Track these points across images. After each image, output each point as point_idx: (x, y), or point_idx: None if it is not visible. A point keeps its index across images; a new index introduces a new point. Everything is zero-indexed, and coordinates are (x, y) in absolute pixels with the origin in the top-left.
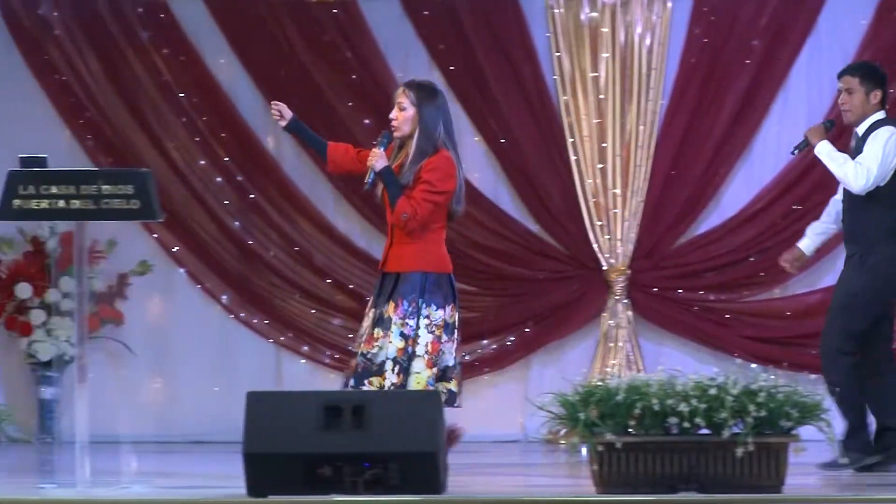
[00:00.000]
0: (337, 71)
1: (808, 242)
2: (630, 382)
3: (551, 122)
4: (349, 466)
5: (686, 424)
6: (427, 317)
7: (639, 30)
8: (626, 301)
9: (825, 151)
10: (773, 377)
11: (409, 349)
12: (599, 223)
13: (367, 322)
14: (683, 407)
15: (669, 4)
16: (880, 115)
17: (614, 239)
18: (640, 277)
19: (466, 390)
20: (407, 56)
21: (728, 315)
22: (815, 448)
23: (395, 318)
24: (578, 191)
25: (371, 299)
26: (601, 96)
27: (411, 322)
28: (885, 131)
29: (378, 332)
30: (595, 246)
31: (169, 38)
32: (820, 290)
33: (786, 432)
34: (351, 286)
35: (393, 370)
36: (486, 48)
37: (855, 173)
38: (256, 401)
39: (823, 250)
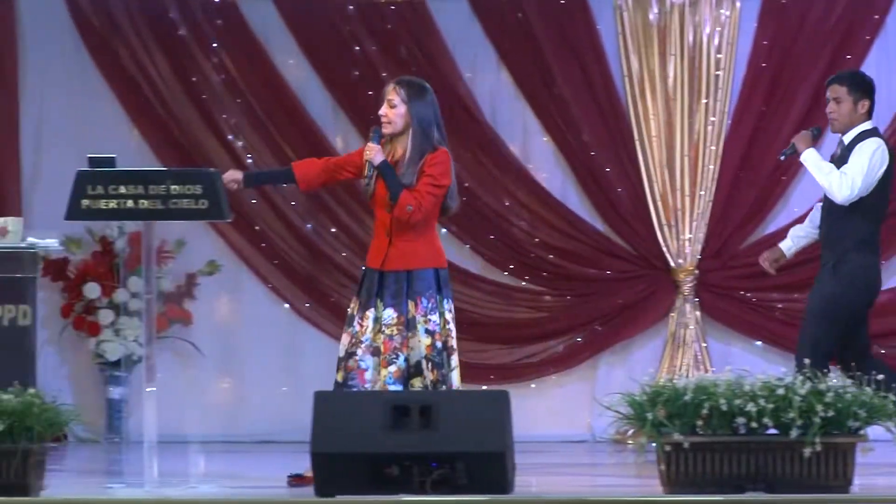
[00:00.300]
0: (405, 70)
1: (789, 244)
2: (698, 382)
3: (619, 122)
4: (417, 466)
5: (753, 424)
6: (449, 311)
7: (707, 30)
8: (694, 301)
9: (811, 159)
10: (840, 377)
11: (438, 344)
12: (667, 223)
13: (366, 322)
14: (751, 407)
15: (738, 4)
16: (867, 125)
17: (682, 239)
18: (709, 277)
19: (535, 390)
20: (475, 56)
21: (796, 315)
22: (882, 448)
23: (418, 317)
24: (646, 191)
25: (357, 298)
26: (669, 96)
27: (433, 318)
28: (871, 143)
29: (406, 333)
30: (663, 246)
31: (238, 38)
32: (891, 290)
33: (853, 432)
34: None
35: (428, 367)
36: (555, 48)
37: (840, 183)
38: (324, 400)
39: (892, 249)
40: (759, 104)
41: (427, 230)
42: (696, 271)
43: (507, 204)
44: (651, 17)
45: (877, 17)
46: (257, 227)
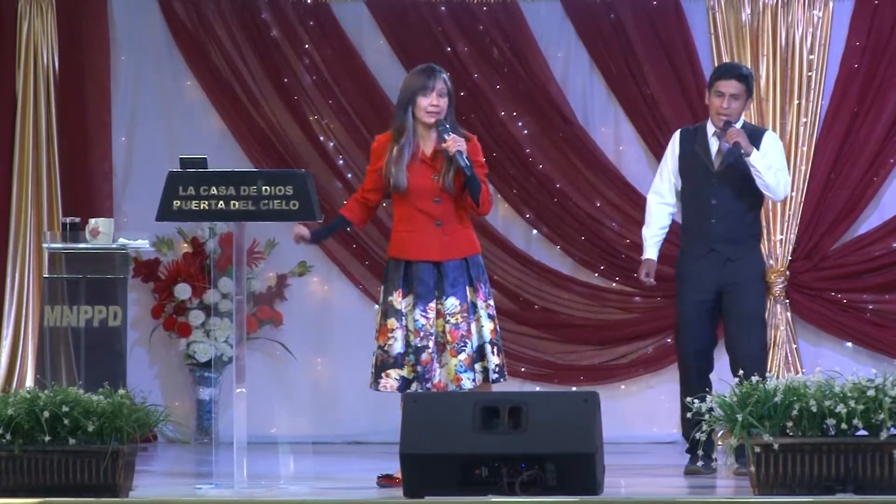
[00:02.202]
0: (498, 72)
1: (654, 251)
2: (788, 383)
3: None
4: (506, 467)
5: (843, 426)
6: (491, 294)
7: (800, 30)
8: (784, 302)
9: (760, 159)
10: None
11: (497, 327)
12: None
13: (430, 315)
14: (841, 408)
15: (831, 5)
16: (742, 120)
17: (773, 239)
18: (800, 278)
19: (625, 391)
20: (568, 57)
21: (887, 316)
22: None
23: (479, 302)
24: None
25: (402, 292)
26: (762, 97)
27: (491, 302)
28: (775, 138)
29: (471, 320)
30: None
31: (329, 38)
32: None
33: None
34: (510, 287)
35: (493, 352)
36: (647, 48)
37: (785, 183)
38: (413, 402)
39: None
40: (851, 105)
41: (468, 218)
42: (787, 272)
43: (598, 205)
44: (743, 17)
45: None
46: (348, 229)
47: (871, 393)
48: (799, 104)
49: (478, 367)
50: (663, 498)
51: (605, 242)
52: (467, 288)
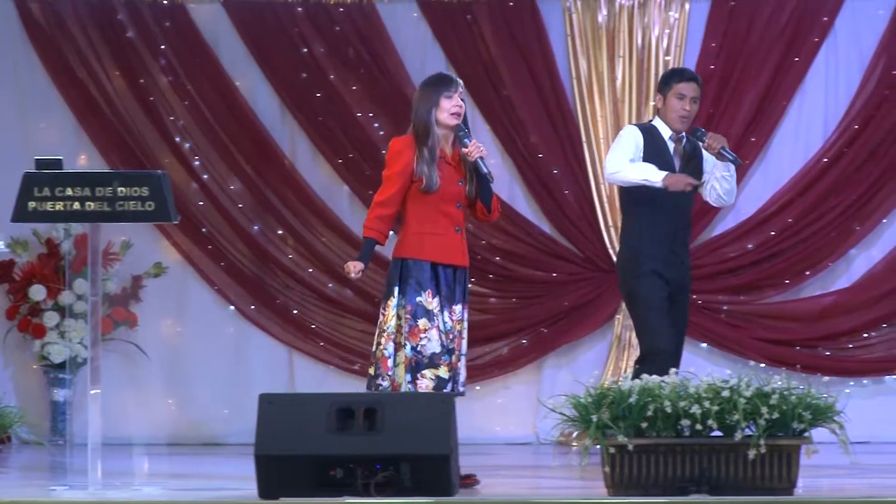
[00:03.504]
0: (353, 73)
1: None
2: (643, 385)
3: (567, 124)
4: (361, 468)
5: (698, 426)
6: None
7: (656, 32)
8: None
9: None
10: (785, 379)
11: None
12: (614, 225)
13: (455, 317)
14: (696, 409)
15: (687, 6)
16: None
17: None
18: None
19: (480, 392)
20: (424, 58)
21: (741, 317)
22: (827, 450)
23: (466, 315)
24: (594, 193)
25: (435, 296)
26: (617, 98)
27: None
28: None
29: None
30: (610, 248)
31: (186, 40)
32: (833, 293)
33: (798, 434)
34: (365, 288)
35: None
36: (503, 49)
37: None
38: (269, 403)
39: (838, 253)
40: (706, 106)
41: (482, 221)
42: None
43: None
44: (600, 18)
45: (825, 19)
46: (203, 230)
47: (725, 394)
48: (655, 105)
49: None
50: (517, 499)
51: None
52: (465, 300)
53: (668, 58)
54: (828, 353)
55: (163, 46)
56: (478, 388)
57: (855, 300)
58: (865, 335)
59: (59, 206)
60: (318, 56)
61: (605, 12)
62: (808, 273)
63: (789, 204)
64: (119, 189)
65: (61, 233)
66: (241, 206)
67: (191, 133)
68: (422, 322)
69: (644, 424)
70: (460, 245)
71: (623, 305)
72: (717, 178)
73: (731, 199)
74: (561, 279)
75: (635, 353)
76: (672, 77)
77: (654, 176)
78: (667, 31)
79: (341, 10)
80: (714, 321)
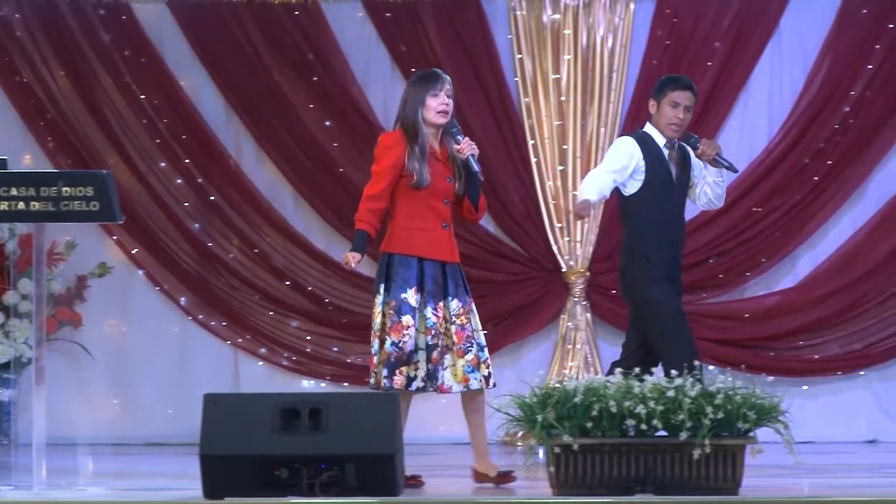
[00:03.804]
0: (298, 73)
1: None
2: (588, 384)
3: (512, 123)
4: (306, 468)
5: (643, 426)
6: None
7: (601, 32)
8: (584, 303)
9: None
10: (730, 379)
11: None
12: (559, 225)
13: (441, 313)
14: (641, 409)
15: (632, 6)
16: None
17: (574, 241)
18: (599, 279)
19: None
20: (369, 58)
21: (687, 317)
22: (772, 450)
23: (474, 308)
24: (539, 193)
25: (419, 292)
26: (562, 98)
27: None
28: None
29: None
30: (554, 248)
31: (130, 40)
32: (778, 293)
33: (742, 434)
34: (310, 288)
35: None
36: (448, 50)
37: None
38: (213, 403)
39: (782, 253)
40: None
41: (470, 220)
42: (587, 273)
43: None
44: (545, 18)
45: (770, 19)
46: (148, 229)
47: (670, 394)
48: (600, 105)
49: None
50: (462, 499)
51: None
52: (465, 294)
53: (613, 57)
54: (772, 353)
55: (108, 46)
56: None
57: (800, 300)
58: (811, 335)
59: (4, 205)
60: (263, 56)
61: (549, 12)
62: (752, 273)
63: (734, 204)
64: (64, 189)
65: (6, 232)
66: (185, 205)
67: (136, 133)
68: (405, 318)
69: (589, 424)
70: (448, 241)
71: (568, 305)
72: (710, 184)
73: (720, 203)
74: (506, 279)
75: (580, 352)
76: (667, 84)
77: (583, 193)
78: (611, 31)
79: (286, 10)
80: None
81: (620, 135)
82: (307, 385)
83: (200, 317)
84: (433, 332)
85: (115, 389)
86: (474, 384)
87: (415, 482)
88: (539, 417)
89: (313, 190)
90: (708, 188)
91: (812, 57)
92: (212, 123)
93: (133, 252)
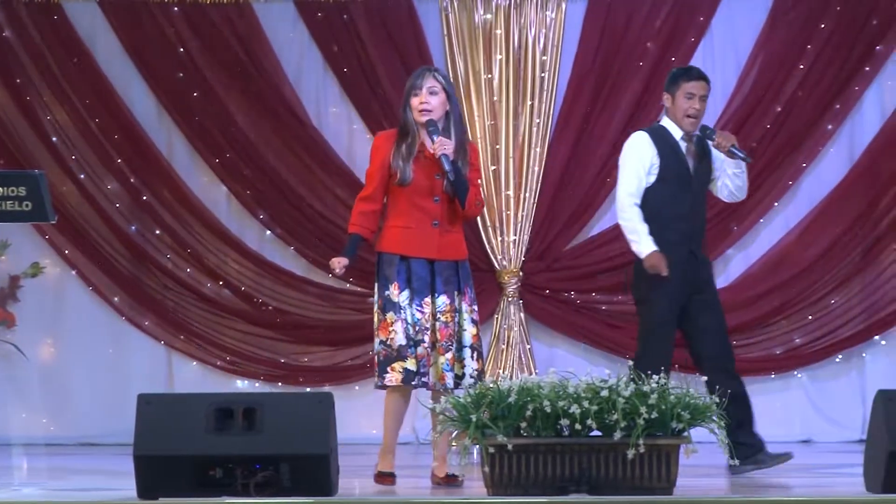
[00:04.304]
0: (231, 73)
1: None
2: (522, 384)
3: None
4: (240, 468)
5: (577, 426)
6: (476, 301)
7: (532, 31)
8: (518, 302)
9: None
10: (664, 379)
11: (478, 332)
12: (492, 225)
13: (426, 310)
14: (575, 409)
15: (563, 6)
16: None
17: (507, 240)
18: (533, 279)
19: (358, 392)
20: (301, 58)
21: (620, 316)
22: (706, 450)
23: (465, 307)
24: None
25: (399, 286)
26: (494, 98)
27: (475, 308)
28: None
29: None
30: (488, 248)
31: (62, 40)
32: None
33: (677, 434)
34: (243, 288)
35: (472, 356)
36: (381, 50)
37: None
38: (147, 403)
39: (714, 254)
40: (584, 106)
41: (460, 223)
42: (521, 273)
43: (331, 205)
44: (476, 18)
45: (702, 19)
46: (81, 229)
47: (604, 393)
48: (532, 105)
49: (455, 368)
50: (396, 499)
51: (338, 243)
52: (455, 291)
53: (544, 57)
54: None
55: (39, 46)
56: (357, 387)
57: (732, 300)
58: (744, 335)
59: None
60: (195, 56)
61: (481, 12)
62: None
63: None
64: None
65: None
66: (118, 206)
67: (67, 133)
68: (389, 315)
69: (523, 424)
70: (436, 238)
71: (502, 305)
72: (729, 176)
73: (742, 195)
74: None
75: (513, 352)
76: (680, 76)
77: (640, 247)
78: (543, 30)
79: (218, 10)
80: (593, 321)
81: (553, 135)
82: (241, 385)
83: (134, 317)
84: (417, 327)
85: (48, 389)
86: (449, 382)
87: (387, 481)
88: (473, 417)
89: (246, 190)
90: (728, 180)
91: (744, 57)
92: (144, 124)
93: (66, 252)
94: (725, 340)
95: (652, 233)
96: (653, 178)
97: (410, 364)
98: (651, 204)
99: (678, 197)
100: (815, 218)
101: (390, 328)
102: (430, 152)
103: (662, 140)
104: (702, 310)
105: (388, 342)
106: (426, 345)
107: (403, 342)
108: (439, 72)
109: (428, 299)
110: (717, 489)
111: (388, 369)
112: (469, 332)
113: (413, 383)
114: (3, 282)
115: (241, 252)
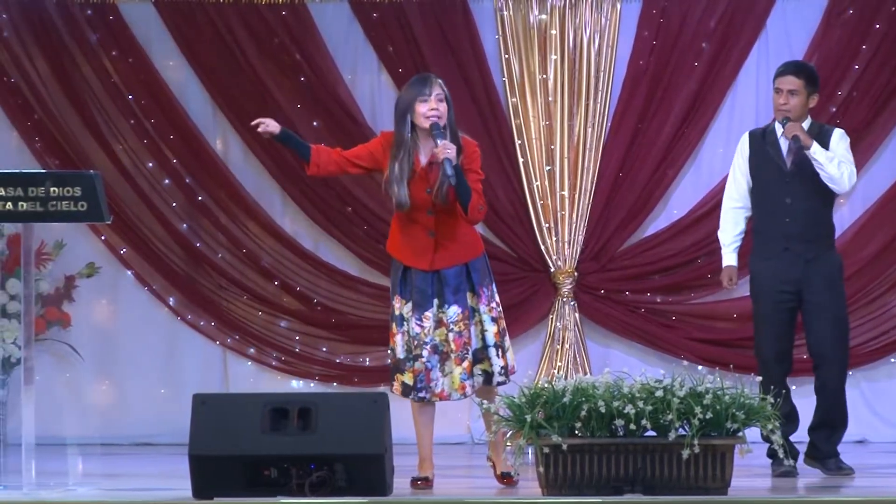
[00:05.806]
0: (285, 73)
1: (734, 257)
2: (577, 384)
3: (500, 124)
4: (295, 468)
5: (632, 426)
6: (497, 293)
7: (587, 32)
8: (573, 303)
9: (821, 151)
10: (719, 379)
11: (502, 328)
12: (547, 225)
13: (426, 323)
14: (630, 409)
15: (618, 6)
16: (809, 119)
17: (562, 241)
18: (588, 279)
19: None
20: (356, 58)
21: (675, 317)
22: (761, 450)
23: (481, 307)
24: (526, 193)
25: (402, 298)
26: (549, 99)
27: (494, 304)
28: (842, 134)
29: (471, 325)
30: (542, 248)
31: (118, 40)
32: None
33: (731, 434)
34: (298, 288)
35: (497, 354)
36: (435, 50)
37: (850, 173)
38: (202, 403)
39: None
40: (638, 106)
41: (465, 224)
42: (576, 273)
43: (386, 206)
44: (531, 18)
45: (756, 19)
46: (136, 229)
47: (659, 394)
48: (587, 105)
49: (477, 369)
50: (451, 499)
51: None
52: (468, 294)
53: (599, 58)
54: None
55: (95, 46)
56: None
57: None
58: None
59: None
60: (250, 56)
61: (536, 13)
62: (740, 273)
63: (721, 204)
64: (52, 189)
65: None
66: (173, 205)
67: (123, 133)
68: (393, 326)
69: (578, 424)
70: (430, 249)
71: (557, 305)
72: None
73: (840, 186)
74: (494, 279)
75: (569, 352)
76: (775, 74)
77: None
78: (598, 30)
79: (273, 10)
80: (647, 321)
81: (607, 135)
82: (296, 385)
83: (189, 317)
84: (416, 342)
85: (103, 389)
86: (469, 391)
87: (426, 485)
88: (528, 417)
89: (301, 190)
90: (820, 171)
91: (799, 55)
92: (199, 123)
93: (121, 252)
94: (820, 347)
95: (753, 233)
96: (751, 178)
97: (408, 378)
98: (753, 203)
99: (773, 195)
100: (870, 218)
101: (393, 339)
102: (421, 168)
103: (759, 142)
104: (808, 310)
105: (395, 352)
106: (423, 359)
107: (402, 356)
108: (440, 78)
109: (429, 313)
110: (772, 490)
111: (395, 378)
112: (490, 331)
113: (410, 397)
114: (58, 282)
115: (296, 252)
